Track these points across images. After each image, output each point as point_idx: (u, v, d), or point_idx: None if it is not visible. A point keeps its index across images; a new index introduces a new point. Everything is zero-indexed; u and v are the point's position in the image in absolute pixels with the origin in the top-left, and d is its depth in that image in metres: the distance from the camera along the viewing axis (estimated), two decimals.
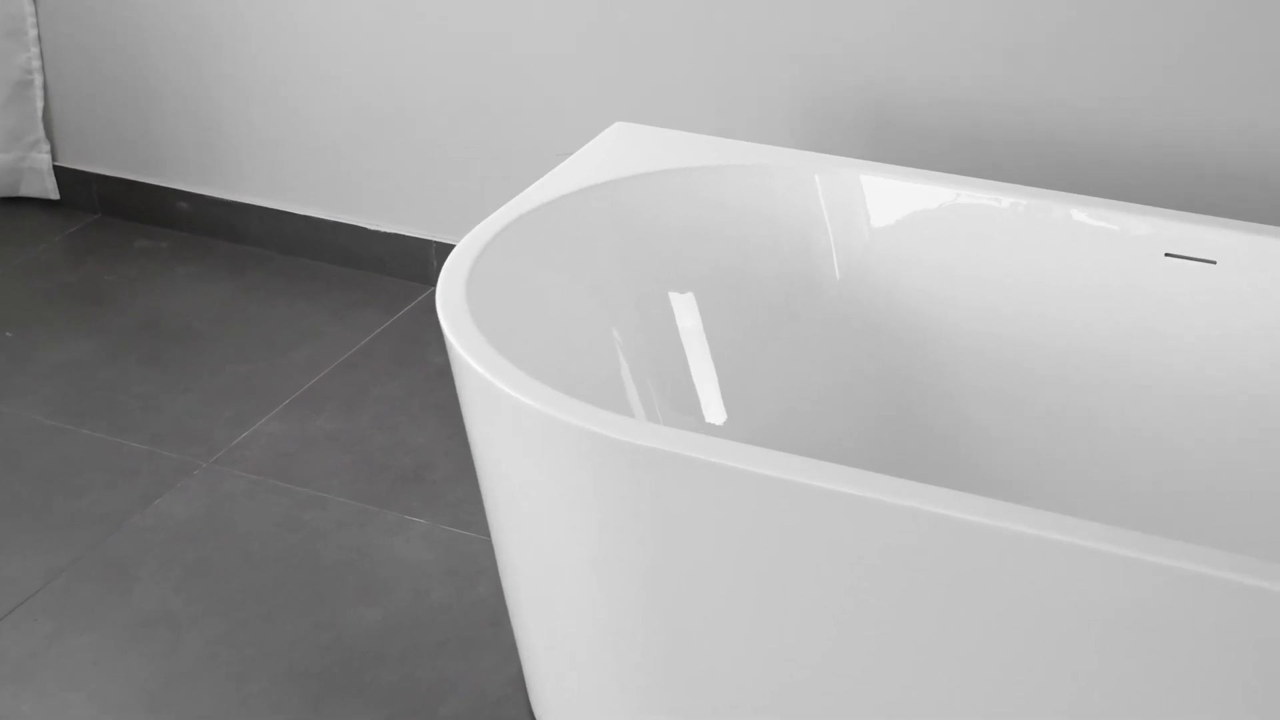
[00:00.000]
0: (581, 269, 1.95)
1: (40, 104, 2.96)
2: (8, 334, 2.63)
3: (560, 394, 1.51)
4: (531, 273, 1.86)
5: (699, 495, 1.45)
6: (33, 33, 2.89)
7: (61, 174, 3.03)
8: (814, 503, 1.40)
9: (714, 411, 2.06)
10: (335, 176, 2.78)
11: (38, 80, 2.93)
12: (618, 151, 2.03)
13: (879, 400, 2.05)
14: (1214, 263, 1.85)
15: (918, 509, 1.36)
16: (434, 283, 2.43)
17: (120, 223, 3.00)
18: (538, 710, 1.81)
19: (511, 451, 1.59)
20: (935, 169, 2.21)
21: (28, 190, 3.03)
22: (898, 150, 2.30)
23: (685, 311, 2.04)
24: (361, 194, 2.77)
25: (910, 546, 1.37)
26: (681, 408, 2.04)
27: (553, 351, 1.84)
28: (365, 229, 2.80)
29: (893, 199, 2.02)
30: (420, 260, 2.76)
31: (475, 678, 1.92)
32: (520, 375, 1.54)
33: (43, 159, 3.00)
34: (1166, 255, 1.88)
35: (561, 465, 1.52)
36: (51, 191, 3.03)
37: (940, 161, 2.26)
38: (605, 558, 1.55)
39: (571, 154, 2.03)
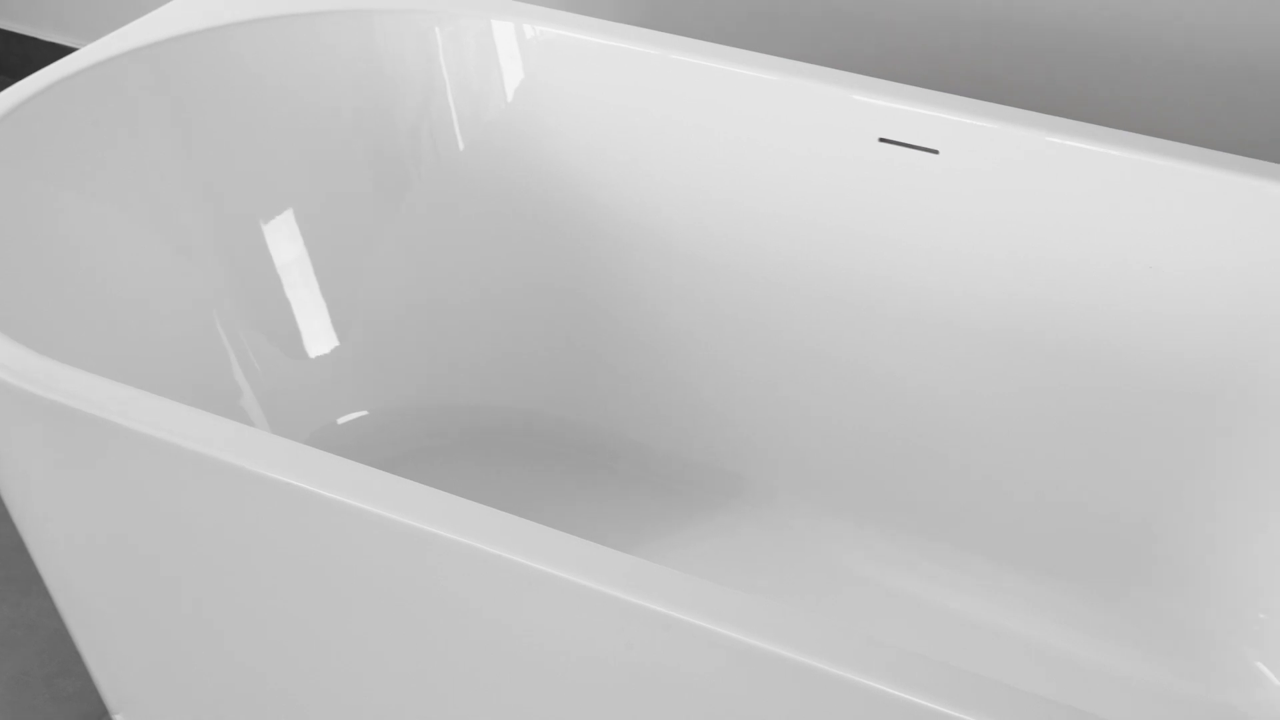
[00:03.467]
0: (107, 167, 1.47)
1: None
2: None
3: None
4: (29, 186, 1.39)
5: (139, 468, 1.12)
6: None
7: None
8: (239, 484, 1.07)
9: (319, 330, 1.64)
10: None
11: None
12: (174, 17, 1.53)
13: (524, 296, 1.66)
14: (936, 152, 1.49)
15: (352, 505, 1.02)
16: None
17: None
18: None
19: None
20: (596, 13, 1.77)
21: None
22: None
23: (273, 207, 1.59)
24: None
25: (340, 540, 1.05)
26: (276, 334, 1.61)
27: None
28: None
29: (538, 54, 1.58)
30: None
31: None
32: None
33: None
34: (881, 141, 1.52)
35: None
36: None
37: (601, 6, 1.82)
38: (82, 536, 1.23)
39: None
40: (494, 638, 1.05)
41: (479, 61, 1.63)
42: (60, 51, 2.37)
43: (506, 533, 0.99)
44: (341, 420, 1.65)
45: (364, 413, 1.67)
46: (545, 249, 1.67)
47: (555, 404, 1.70)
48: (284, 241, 1.62)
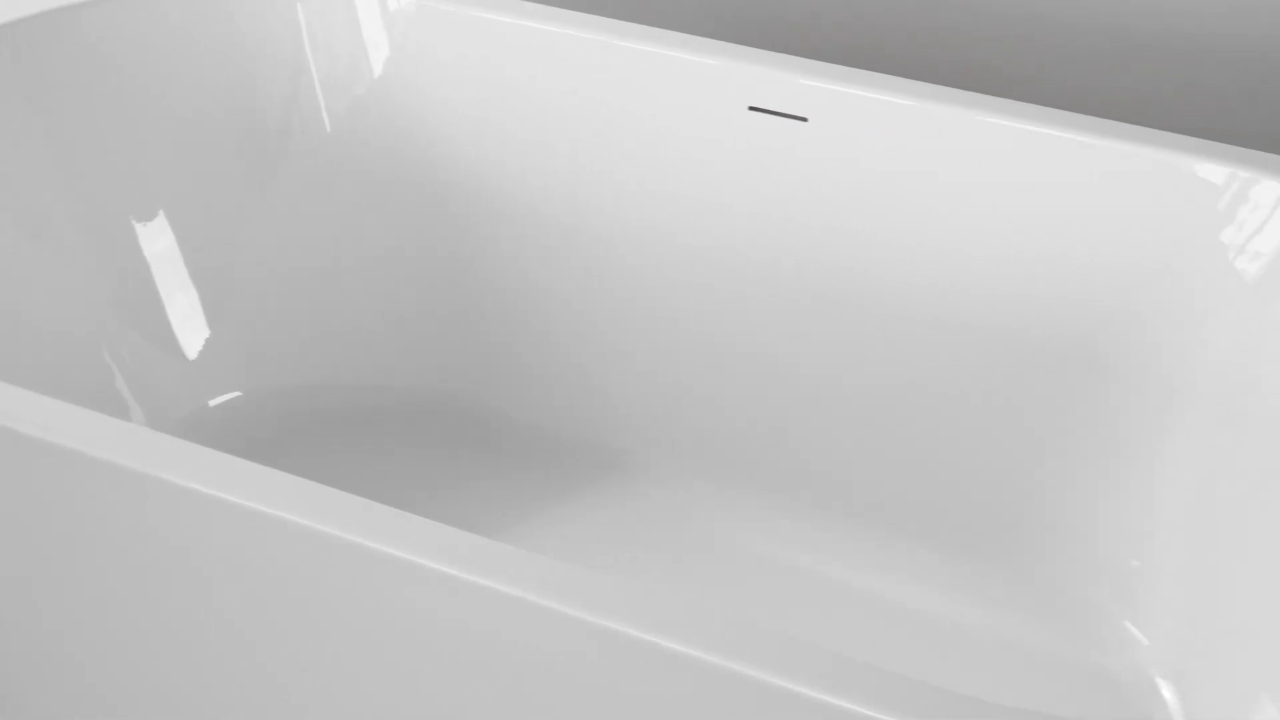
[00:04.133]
0: None
1: None
2: None
3: None
4: None
5: None
6: None
7: None
8: (81, 470, 1.05)
9: (191, 314, 1.61)
10: None
11: None
12: None
13: (403, 272, 1.65)
14: (805, 120, 1.49)
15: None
16: None
17: None
18: None
19: None
20: None
21: None
22: None
23: (137, 192, 1.56)
24: None
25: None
26: (146, 321, 1.58)
27: None
28: None
29: (404, 26, 1.56)
30: None
31: None
32: None
33: None
34: (750, 109, 1.51)
35: None
36: None
37: None
38: None
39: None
40: (345, 624, 1.04)
41: (345, 35, 1.60)
42: None
43: (341, 513, 0.98)
44: (214, 402, 1.63)
45: (237, 393, 1.64)
46: (422, 224, 1.66)
47: (437, 381, 1.69)
48: (151, 227, 1.59)
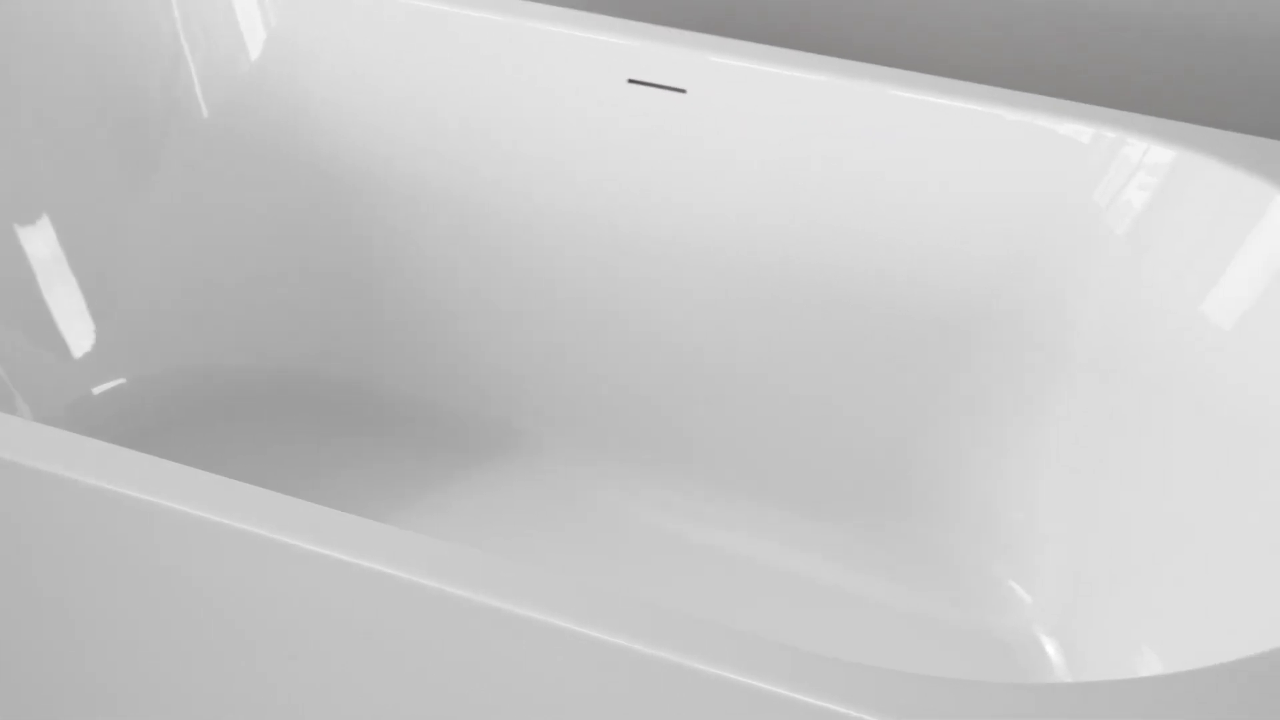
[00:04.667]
0: None
1: None
2: None
3: None
4: None
5: None
6: None
7: None
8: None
9: (73, 305, 1.59)
10: None
11: None
12: None
13: (288, 253, 1.63)
14: (683, 91, 1.49)
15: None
16: None
17: None
18: None
19: None
20: None
21: None
22: None
23: (16, 188, 1.54)
24: None
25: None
26: (28, 313, 1.56)
27: None
28: None
29: (278, 12, 1.54)
30: None
31: None
32: None
33: None
34: (630, 82, 1.51)
35: None
36: None
37: None
38: None
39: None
40: (221, 607, 1.03)
41: (221, 23, 1.58)
42: None
43: (218, 498, 0.97)
44: (98, 390, 1.61)
45: (121, 380, 1.62)
46: (305, 207, 1.64)
47: (327, 363, 1.67)
48: (30, 220, 1.56)
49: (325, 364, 1.67)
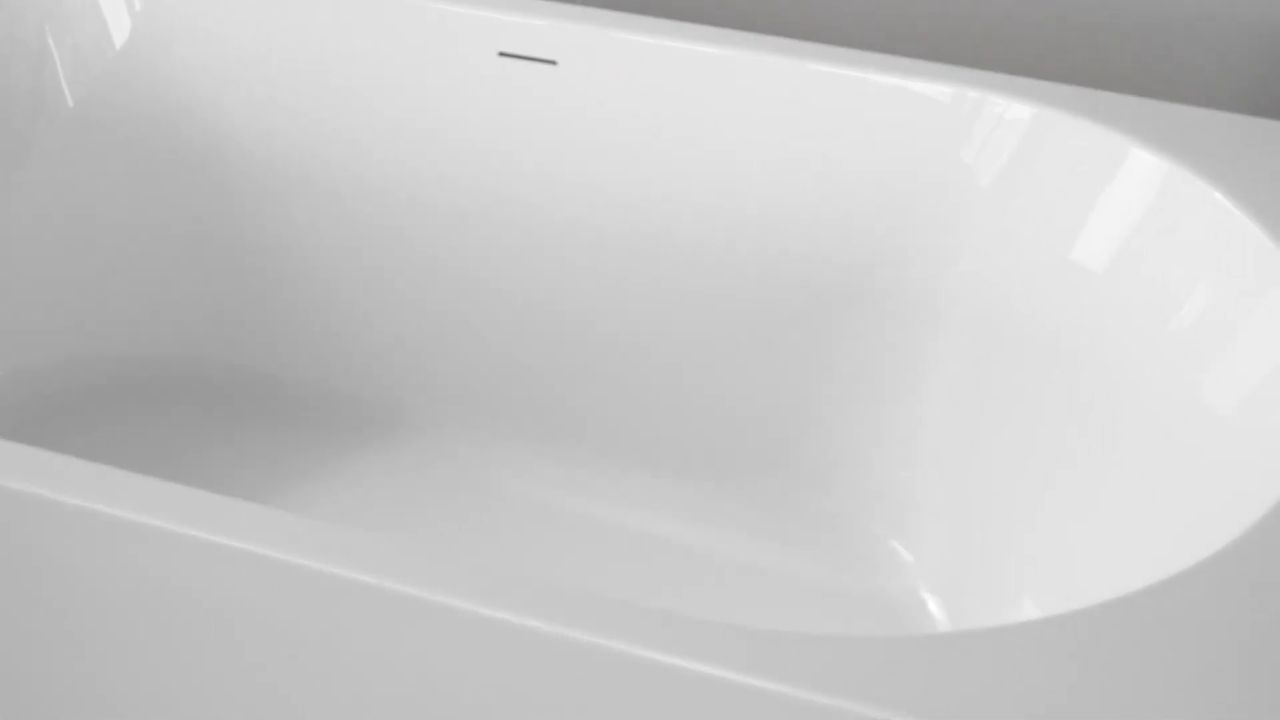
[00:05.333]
0: None
1: None
2: None
3: None
4: None
5: None
6: None
7: None
8: None
9: None
10: None
11: None
12: None
13: (164, 241, 1.62)
14: (554, 63, 1.49)
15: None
16: None
17: None
18: None
19: None
20: None
21: None
22: None
23: None
24: None
25: None
26: None
27: None
28: None
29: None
30: None
31: None
32: None
33: None
34: (500, 55, 1.50)
35: None
36: None
37: None
38: None
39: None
40: (103, 597, 1.02)
41: (86, 13, 1.56)
42: None
43: (93, 485, 0.96)
44: None
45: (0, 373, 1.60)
46: (176, 193, 1.63)
47: (209, 349, 1.66)
48: None
49: (210, 350, 1.66)
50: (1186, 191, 1.21)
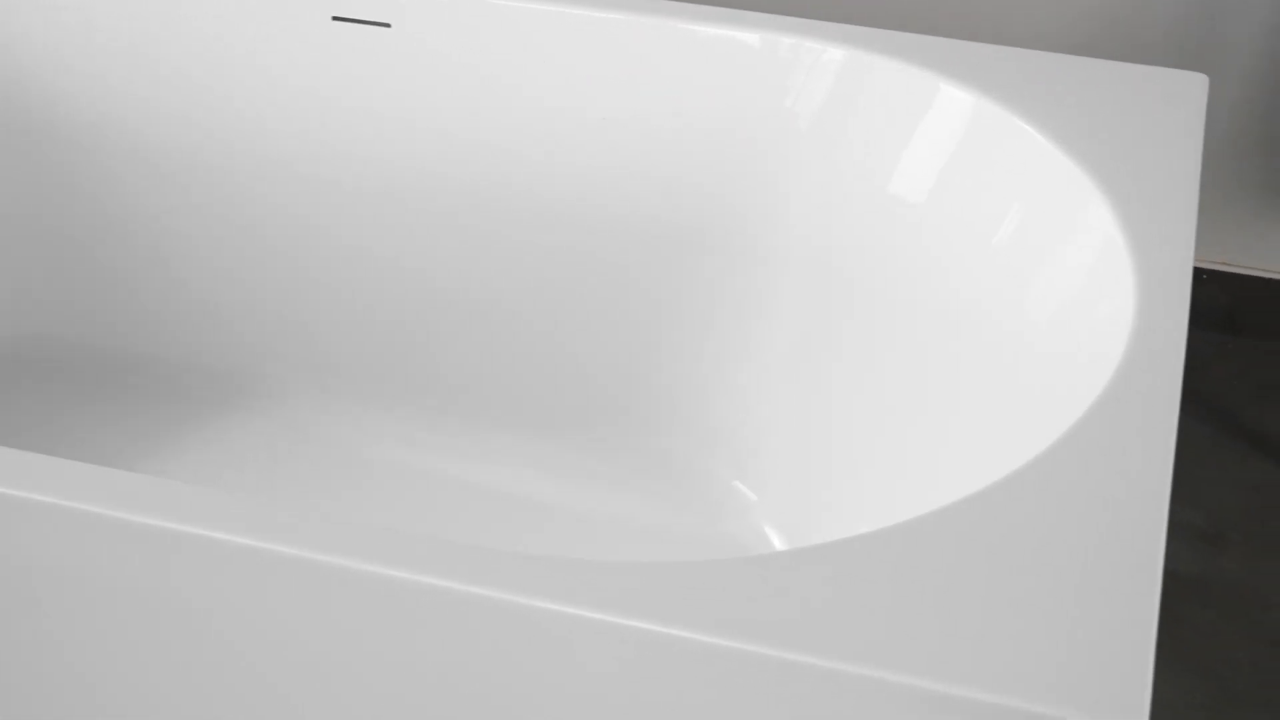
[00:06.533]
0: None
1: None
2: None
3: None
4: None
5: None
6: None
7: None
8: None
9: None
10: None
11: None
12: None
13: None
14: (388, 26, 1.50)
15: None
16: None
17: None
18: None
19: None
20: None
21: None
22: None
23: None
24: None
25: None
26: None
27: None
28: None
29: None
30: None
31: None
32: None
33: None
34: (334, 19, 1.51)
35: None
36: None
37: None
38: None
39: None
40: None
41: None
42: None
43: None
44: None
45: None
46: (16, 169, 1.62)
47: (55, 327, 1.65)
48: None
49: (57, 328, 1.65)
50: (995, 124, 1.26)
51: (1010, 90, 1.27)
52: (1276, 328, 1.97)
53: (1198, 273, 1.96)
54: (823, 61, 1.36)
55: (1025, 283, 1.22)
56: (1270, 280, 1.95)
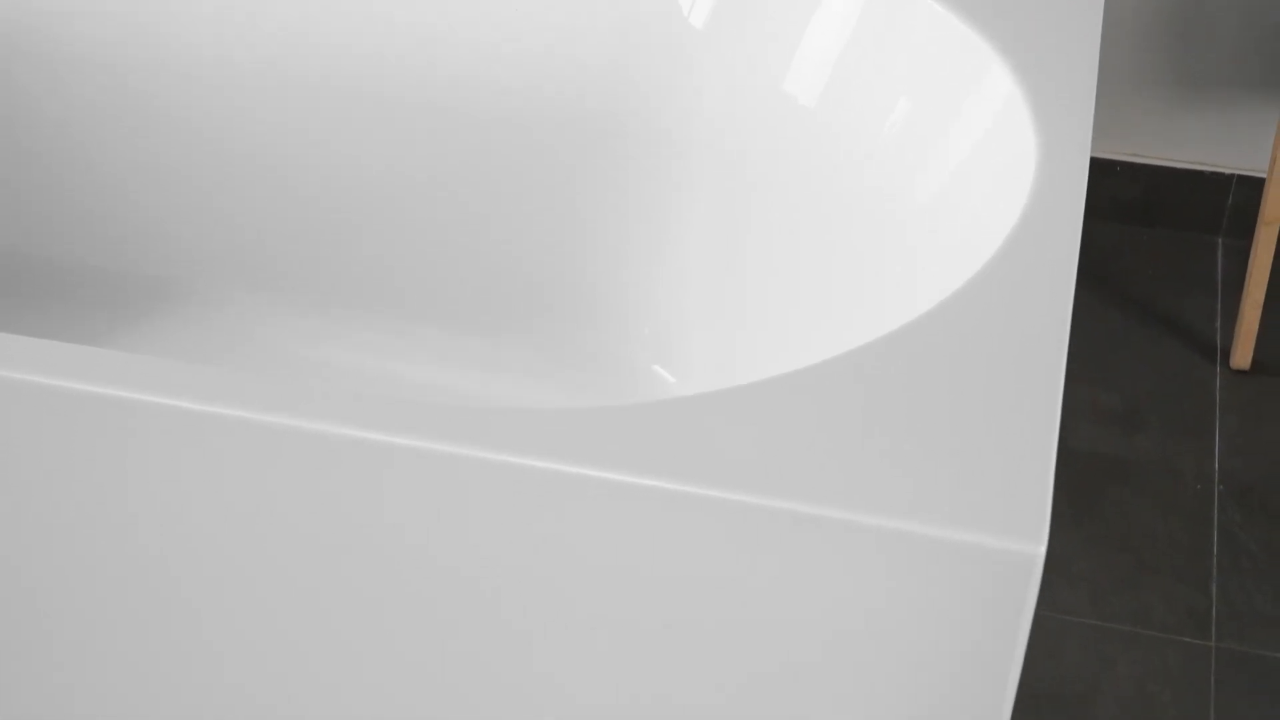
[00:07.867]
0: None
1: None
2: None
3: None
4: None
5: None
6: None
7: None
8: None
9: None
10: None
11: None
12: None
13: None
14: None
15: None
16: None
17: None
18: None
19: None
20: None
21: None
22: None
23: None
24: None
25: None
26: None
27: None
28: None
29: None
30: None
31: None
32: None
33: None
34: None
35: None
36: None
37: None
38: None
39: None
40: None
41: None
42: None
43: None
44: None
45: None
46: None
47: None
48: None
49: None
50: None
51: None
52: (1188, 217, 2.00)
53: (1110, 164, 1.99)
54: None
55: (928, 148, 1.23)
56: (1180, 170, 1.98)
